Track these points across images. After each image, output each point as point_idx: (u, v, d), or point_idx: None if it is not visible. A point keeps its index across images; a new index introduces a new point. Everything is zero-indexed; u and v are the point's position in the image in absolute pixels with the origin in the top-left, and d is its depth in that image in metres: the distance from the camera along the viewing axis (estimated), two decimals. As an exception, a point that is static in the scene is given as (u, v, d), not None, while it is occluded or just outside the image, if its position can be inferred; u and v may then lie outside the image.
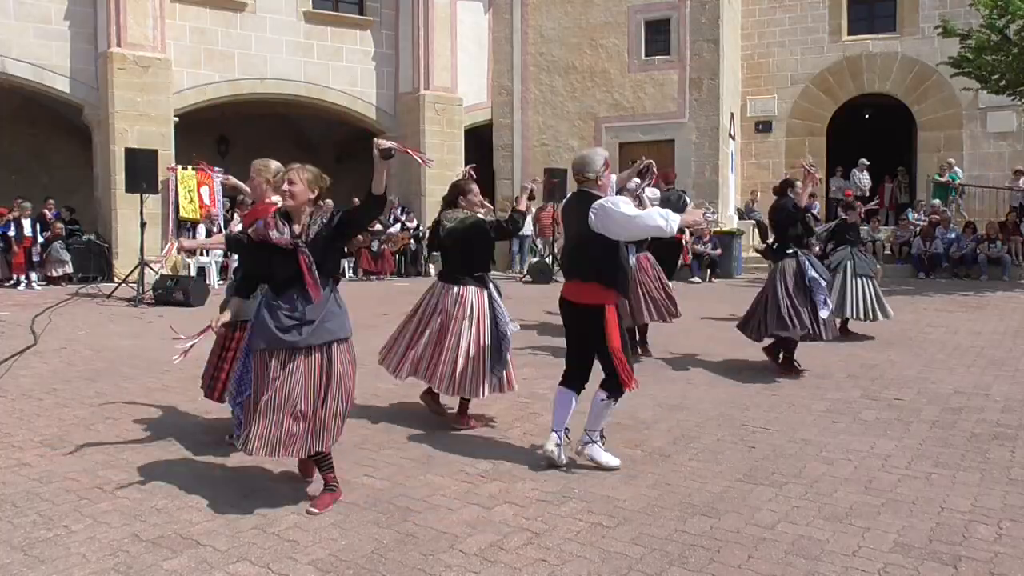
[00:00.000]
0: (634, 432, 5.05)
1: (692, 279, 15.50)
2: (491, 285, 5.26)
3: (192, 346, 3.95)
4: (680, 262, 7.29)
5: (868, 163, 18.67)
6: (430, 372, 5.11)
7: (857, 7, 19.29)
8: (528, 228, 17.78)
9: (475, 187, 5.36)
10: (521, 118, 19.84)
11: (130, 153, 13.23)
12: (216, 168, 16.29)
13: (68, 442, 4.92)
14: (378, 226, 17.66)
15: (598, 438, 4.40)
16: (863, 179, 18.79)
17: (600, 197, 4.29)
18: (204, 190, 15.92)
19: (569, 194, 4.82)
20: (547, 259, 16.70)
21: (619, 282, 4.34)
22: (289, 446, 3.70)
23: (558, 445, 4.39)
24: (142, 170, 12.70)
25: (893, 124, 19.59)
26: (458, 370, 5.02)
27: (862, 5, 19.29)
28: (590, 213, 4.22)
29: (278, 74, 17.72)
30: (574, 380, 4.47)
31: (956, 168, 17.76)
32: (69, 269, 14.71)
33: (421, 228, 18.14)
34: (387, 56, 19.20)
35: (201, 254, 15.16)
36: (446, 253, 5.31)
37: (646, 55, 18.68)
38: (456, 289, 5.14)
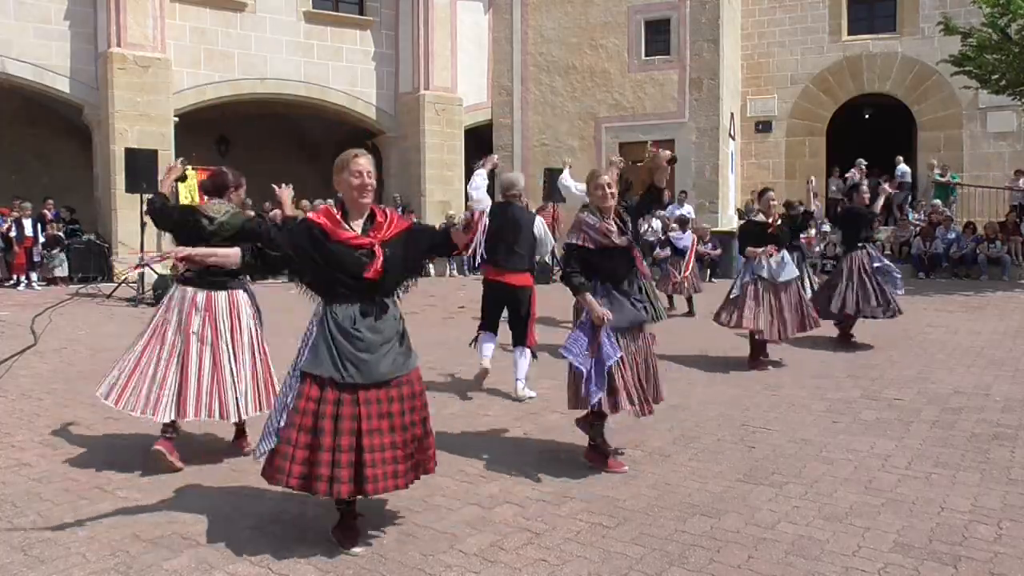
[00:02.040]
0: (634, 432, 5.05)
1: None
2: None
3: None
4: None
5: (866, 163, 18.71)
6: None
7: (857, 7, 19.28)
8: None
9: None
10: (521, 118, 19.84)
11: (130, 153, 13.23)
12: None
13: (68, 442, 4.93)
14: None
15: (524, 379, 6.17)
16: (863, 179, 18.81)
17: (532, 213, 6.47)
18: (205, 190, 15.91)
19: (496, 203, 6.29)
20: (547, 259, 16.68)
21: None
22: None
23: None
24: (142, 170, 12.70)
25: (893, 124, 19.58)
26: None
27: (862, 5, 19.29)
28: (538, 225, 6.37)
29: (278, 74, 17.72)
30: (493, 331, 6.44)
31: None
32: (64, 272, 14.72)
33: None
34: (387, 56, 19.21)
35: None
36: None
37: (646, 55, 18.67)
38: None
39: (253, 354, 4.59)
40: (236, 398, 4.45)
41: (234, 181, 4.73)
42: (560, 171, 10.77)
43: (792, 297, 7.23)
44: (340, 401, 3.28)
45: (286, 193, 4.91)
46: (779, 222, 7.35)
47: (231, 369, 4.47)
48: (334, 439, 3.24)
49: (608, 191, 4.39)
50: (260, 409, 4.51)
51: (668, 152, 4.47)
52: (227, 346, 4.48)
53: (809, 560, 3.26)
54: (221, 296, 4.52)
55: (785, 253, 7.30)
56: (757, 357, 7.30)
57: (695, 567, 3.21)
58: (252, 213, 4.74)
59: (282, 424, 3.31)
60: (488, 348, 6.38)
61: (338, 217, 3.41)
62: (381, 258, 3.31)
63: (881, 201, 8.71)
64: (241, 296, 4.61)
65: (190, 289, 4.52)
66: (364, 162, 3.43)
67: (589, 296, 4.30)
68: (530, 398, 6.10)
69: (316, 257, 3.33)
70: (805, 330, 7.33)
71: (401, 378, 3.38)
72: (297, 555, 3.32)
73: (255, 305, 4.73)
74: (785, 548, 3.38)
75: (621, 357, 4.25)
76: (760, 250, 7.19)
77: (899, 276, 8.50)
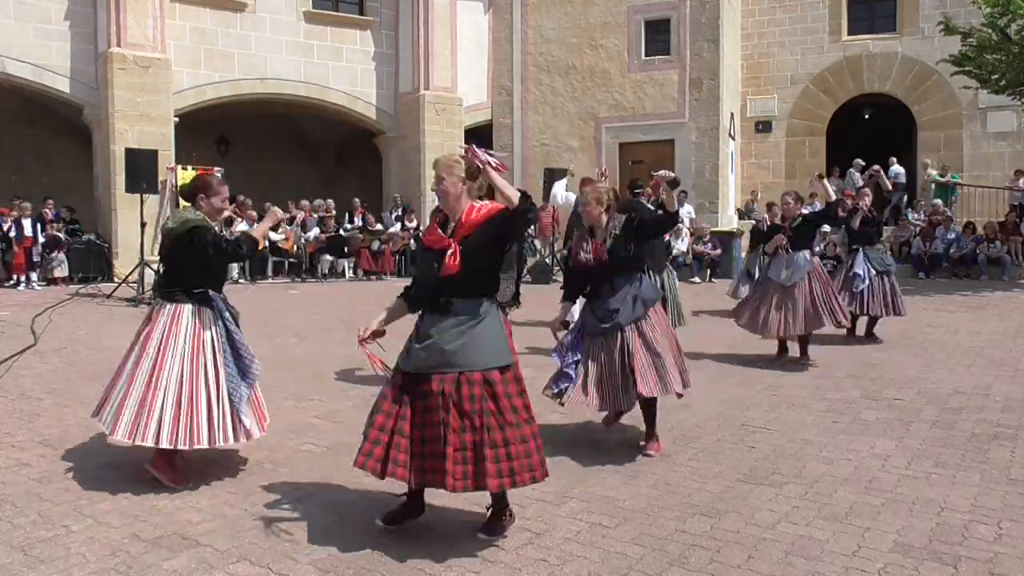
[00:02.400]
0: (635, 432, 5.05)
1: (692, 279, 15.50)
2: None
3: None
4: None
5: (863, 163, 18.78)
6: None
7: (857, 7, 19.29)
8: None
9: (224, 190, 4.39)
10: (521, 118, 19.84)
11: (130, 153, 13.24)
12: (216, 168, 16.30)
13: (68, 442, 4.93)
14: (379, 226, 17.69)
15: None
16: (860, 180, 18.85)
17: None
18: (204, 190, 15.89)
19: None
20: (547, 259, 16.71)
21: None
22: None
23: None
24: (142, 170, 12.70)
25: (893, 124, 19.59)
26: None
27: (862, 5, 19.30)
28: None
29: (278, 74, 17.72)
30: None
31: (931, 171, 18.08)
32: (63, 272, 14.71)
33: (421, 228, 18.13)
34: (387, 56, 19.20)
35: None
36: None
37: (646, 55, 18.68)
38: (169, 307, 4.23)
39: (181, 381, 4.06)
40: (136, 418, 4.03)
41: (215, 188, 4.29)
42: (562, 171, 10.74)
43: (803, 295, 7.26)
44: (404, 388, 3.39)
45: (275, 213, 4.54)
46: (797, 223, 7.44)
47: (143, 387, 4.06)
48: (395, 423, 3.35)
49: (597, 212, 4.71)
50: (176, 443, 4.01)
51: (668, 174, 4.73)
52: (149, 364, 4.10)
53: (809, 560, 3.26)
54: (165, 309, 4.18)
55: (800, 254, 7.34)
56: (782, 354, 7.58)
57: (695, 567, 3.21)
58: (201, 222, 4.19)
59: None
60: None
61: (435, 223, 3.56)
62: (456, 255, 3.34)
63: (858, 219, 8.80)
64: (185, 313, 4.15)
65: (157, 298, 4.36)
66: (437, 168, 3.49)
67: (561, 304, 4.92)
68: None
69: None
70: (821, 325, 7.36)
71: (447, 375, 3.30)
72: (297, 555, 3.32)
73: (219, 326, 4.23)
74: (785, 548, 3.38)
75: (578, 360, 4.67)
76: (773, 243, 7.46)
77: (856, 282, 8.56)
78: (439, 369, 3.31)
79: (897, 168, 18.57)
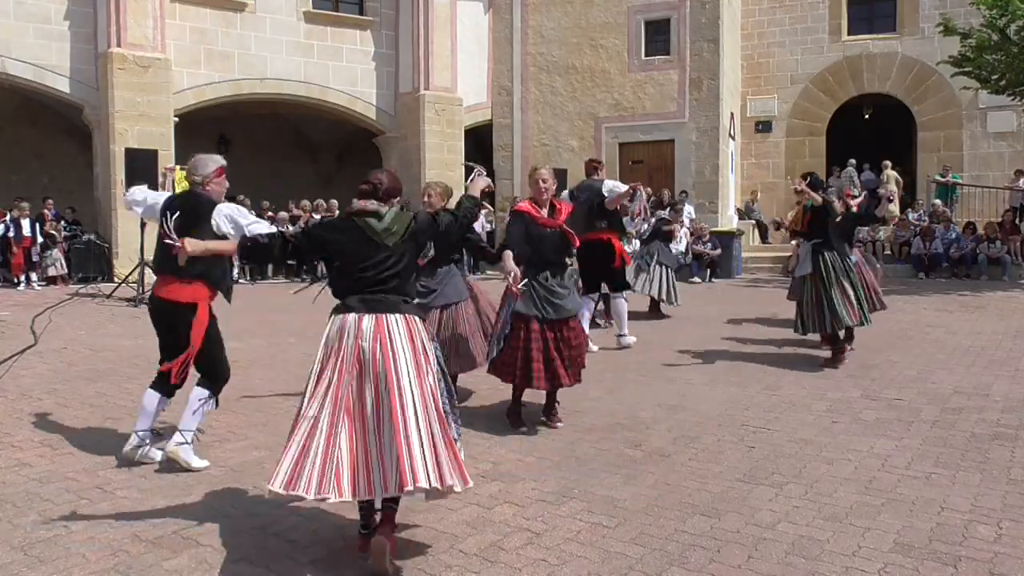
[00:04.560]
0: (634, 432, 5.05)
1: (692, 279, 15.49)
2: None
3: None
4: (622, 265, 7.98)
5: (855, 162, 18.94)
6: None
7: (857, 7, 19.29)
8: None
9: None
10: (521, 118, 19.83)
11: (130, 153, 13.24)
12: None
13: (68, 442, 4.92)
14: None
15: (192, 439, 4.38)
16: (857, 180, 19.01)
17: (213, 200, 4.42)
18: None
19: (178, 193, 4.88)
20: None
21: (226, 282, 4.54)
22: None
23: (138, 447, 4.43)
24: (142, 170, 12.70)
25: (893, 124, 19.60)
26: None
27: (862, 5, 19.30)
28: (215, 218, 4.28)
29: (278, 74, 17.73)
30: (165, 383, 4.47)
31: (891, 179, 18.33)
32: (57, 271, 14.69)
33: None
34: (387, 56, 19.21)
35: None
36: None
37: (646, 55, 18.67)
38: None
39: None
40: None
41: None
42: (563, 171, 10.72)
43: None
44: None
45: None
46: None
47: None
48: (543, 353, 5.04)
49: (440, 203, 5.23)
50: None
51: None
52: None
53: (809, 560, 3.26)
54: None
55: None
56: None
57: (695, 567, 3.21)
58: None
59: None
60: (145, 420, 4.45)
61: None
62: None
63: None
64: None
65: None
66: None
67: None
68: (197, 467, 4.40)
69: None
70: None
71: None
72: (297, 555, 3.32)
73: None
74: (785, 548, 3.38)
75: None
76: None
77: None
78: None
79: (869, 175, 18.89)
